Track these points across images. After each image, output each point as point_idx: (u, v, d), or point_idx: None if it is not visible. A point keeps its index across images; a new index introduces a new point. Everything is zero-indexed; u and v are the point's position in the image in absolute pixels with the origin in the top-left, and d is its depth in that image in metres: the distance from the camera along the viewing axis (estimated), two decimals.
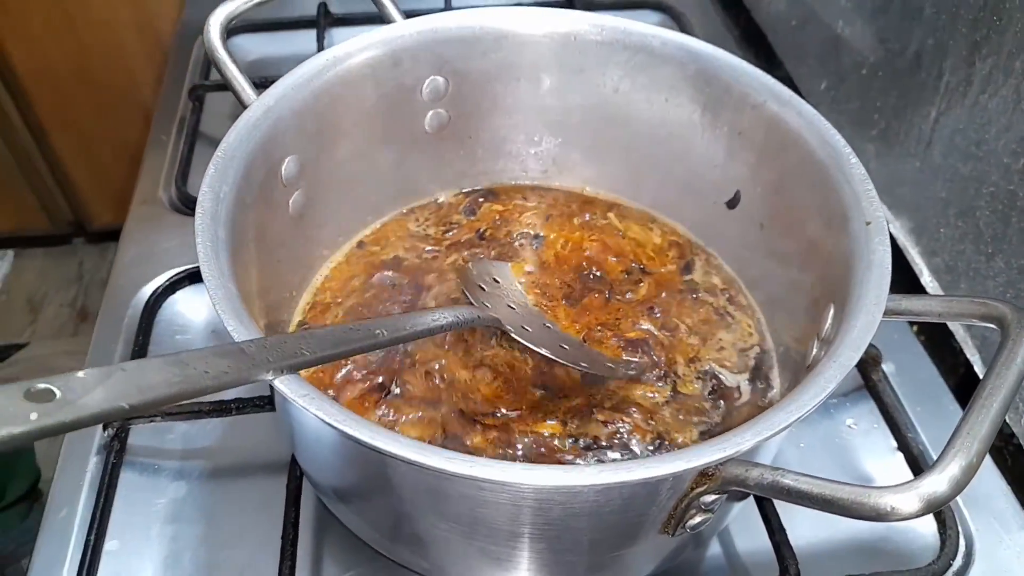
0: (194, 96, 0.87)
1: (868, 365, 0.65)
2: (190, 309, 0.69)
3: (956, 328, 0.66)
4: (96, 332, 0.67)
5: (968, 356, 0.64)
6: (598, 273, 0.61)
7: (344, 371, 0.54)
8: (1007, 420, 0.60)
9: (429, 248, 0.63)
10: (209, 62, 0.91)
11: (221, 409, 0.58)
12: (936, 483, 0.30)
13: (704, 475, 0.36)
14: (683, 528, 0.39)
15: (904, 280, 0.71)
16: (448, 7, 0.97)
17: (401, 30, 0.58)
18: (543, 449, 0.50)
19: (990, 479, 0.60)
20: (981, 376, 0.59)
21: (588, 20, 0.60)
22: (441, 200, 0.67)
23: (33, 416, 0.26)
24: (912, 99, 0.70)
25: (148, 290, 0.69)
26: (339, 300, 0.60)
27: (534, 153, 0.67)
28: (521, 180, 0.69)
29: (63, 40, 1.46)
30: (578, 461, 0.50)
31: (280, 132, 0.51)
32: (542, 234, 0.65)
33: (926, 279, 0.70)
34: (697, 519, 0.39)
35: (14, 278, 1.95)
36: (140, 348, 0.64)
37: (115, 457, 0.57)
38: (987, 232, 0.62)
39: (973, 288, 0.64)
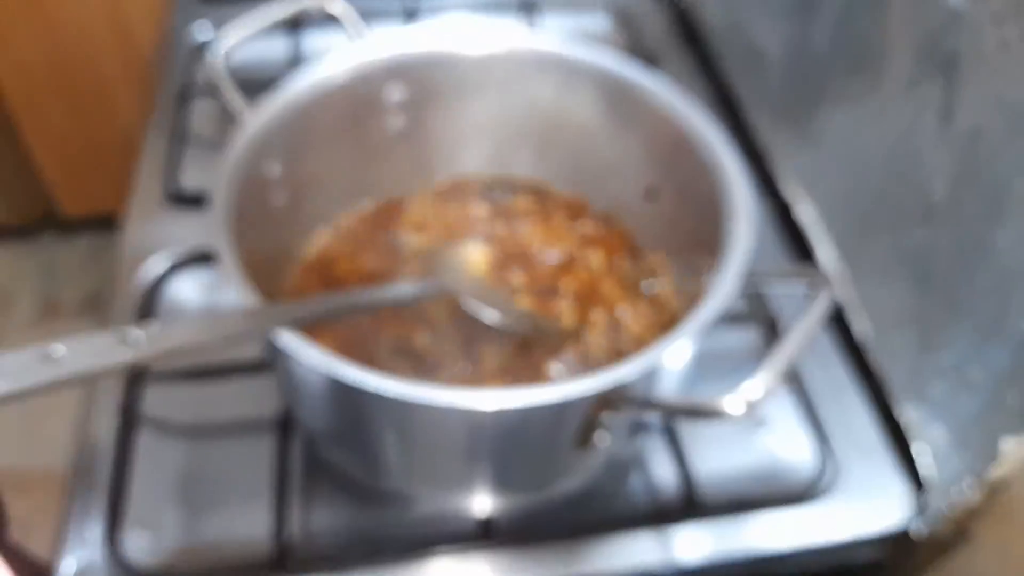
0: (183, 98, 0.96)
1: (770, 329, 0.78)
2: (187, 290, 0.79)
3: (843, 296, 0.79)
4: (109, 314, 0.77)
5: (849, 319, 0.77)
6: (544, 252, 0.73)
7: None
8: (874, 366, 0.73)
9: (396, 236, 0.75)
10: (192, 66, 1.02)
11: (220, 373, 0.69)
12: (753, 392, 0.43)
13: (601, 400, 0.48)
14: (591, 444, 0.52)
15: (804, 258, 0.82)
16: (411, 18, 1.09)
17: (368, 49, 0.69)
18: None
19: (859, 416, 0.73)
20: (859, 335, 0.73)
21: (528, 42, 0.71)
22: (406, 195, 0.79)
23: (125, 350, 0.37)
24: (813, 101, 0.82)
25: (150, 276, 0.79)
26: (317, 283, 0.71)
27: (485, 153, 0.79)
28: (472, 175, 0.81)
29: (36, 36, 1.52)
30: None
31: (267, 143, 0.62)
32: (495, 218, 0.77)
33: (821, 256, 0.81)
34: (602, 436, 0.51)
35: None
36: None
37: (131, 416, 0.68)
38: (864, 217, 0.75)
39: (855, 264, 0.77)
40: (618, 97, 0.70)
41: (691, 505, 0.64)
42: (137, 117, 1.63)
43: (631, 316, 0.69)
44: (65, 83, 1.61)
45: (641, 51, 1.05)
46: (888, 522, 0.66)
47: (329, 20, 0.73)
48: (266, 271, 0.64)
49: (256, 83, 0.91)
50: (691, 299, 0.67)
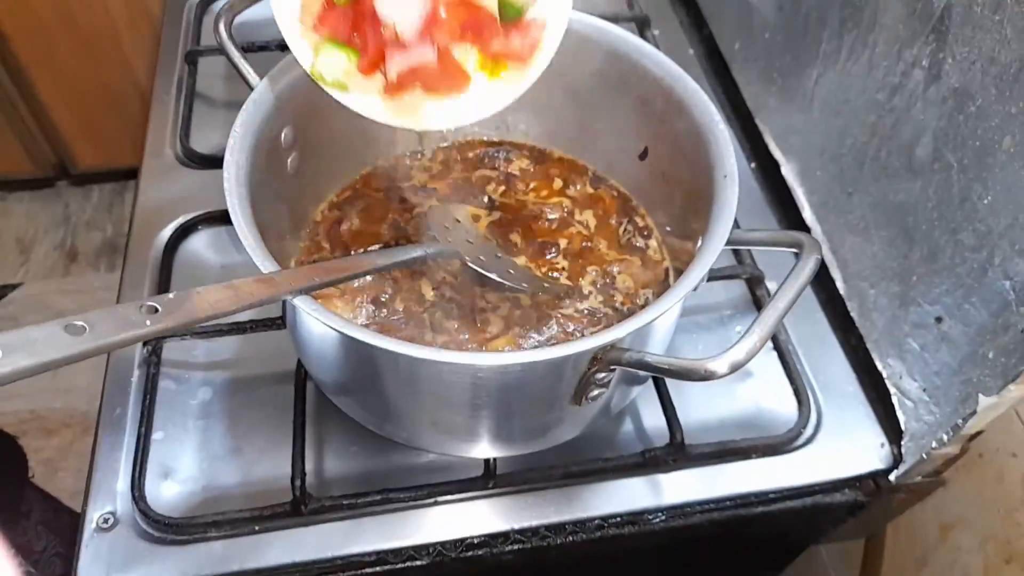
0: (190, 60, 0.98)
1: (754, 283, 0.81)
2: (202, 248, 0.82)
3: (826, 253, 0.82)
4: (125, 272, 0.80)
5: (832, 275, 0.81)
6: (542, 212, 0.76)
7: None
8: (855, 320, 0.77)
9: (401, 198, 0.78)
10: (199, 26, 1.04)
11: (238, 328, 0.72)
12: (736, 354, 0.46)
13: (595, 358, 0.52)
14: (587, 399, 0.56)
15: (791, 215, 0.86)
16: None
17: None
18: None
19: (840, 367, 0.77)
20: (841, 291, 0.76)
21: None
22: (410, 158, 0.81)
23: (148, 322, 0.41)
24: (800, 61, 0.84)
25: (166, 234, 0.82)
26: (327, 245, 0.74)
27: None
28: (480, 136, 0.83)
29: None
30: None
31: (278, 108, 0.64)
32: (495, 179, 0.79)
33: (807, 214, 0.85)
34: (596, 392, 0.55)
35: (3, 221, 2.04)
36: (164, 284, 0.78)
37: (153, 368, 0.71)
38: (848, 175, 0.78)
39: (838, 221, 0.80)
40: (612, 60, 0.72)
41: (679, 452, 0.68)
42: (146, 64, 1.65)
43: (625, 273, 0.73)
44: (73, 31, 1.62)
45: (634, 11, 1.06)
46: (866, 466, 0.71)
47: None
48: (277, 233, 0.67)
49: (262, 45, 0.93)
50: (681, 256, 0.71)
